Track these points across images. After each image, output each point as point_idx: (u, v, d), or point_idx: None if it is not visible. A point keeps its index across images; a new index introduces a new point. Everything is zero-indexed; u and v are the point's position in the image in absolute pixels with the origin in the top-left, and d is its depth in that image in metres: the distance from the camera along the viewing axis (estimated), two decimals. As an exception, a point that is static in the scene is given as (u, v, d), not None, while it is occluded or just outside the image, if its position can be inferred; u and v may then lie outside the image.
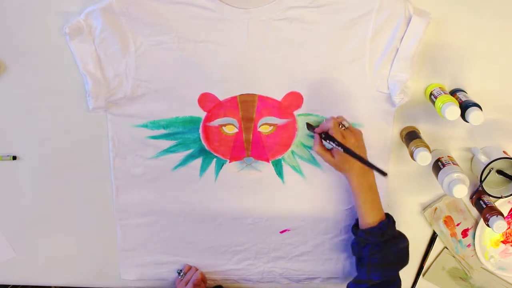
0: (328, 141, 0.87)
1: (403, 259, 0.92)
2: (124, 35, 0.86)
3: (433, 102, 0.87)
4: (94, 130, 0.94)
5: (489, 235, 1.02)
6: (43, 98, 0.93)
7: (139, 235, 1.01)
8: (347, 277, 1.04)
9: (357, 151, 0.84)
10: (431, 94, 0.89)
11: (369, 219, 0.89)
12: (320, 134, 0.89)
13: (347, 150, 0.84)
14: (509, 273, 1.04)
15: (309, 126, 0.93)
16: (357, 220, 0.93)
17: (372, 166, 0.82)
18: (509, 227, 1.02)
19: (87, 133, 0.95)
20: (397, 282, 0.91)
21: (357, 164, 0.86)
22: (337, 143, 0.85)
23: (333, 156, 0.89)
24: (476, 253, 1.03)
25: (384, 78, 0.89)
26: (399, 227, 1.01)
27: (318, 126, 0.91)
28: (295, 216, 1.00)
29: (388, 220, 0.90)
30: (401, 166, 0.97)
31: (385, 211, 0.99)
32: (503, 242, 1.03)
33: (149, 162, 0.96)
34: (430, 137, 0.93)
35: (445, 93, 0.87)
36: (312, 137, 0.94)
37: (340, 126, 0.88)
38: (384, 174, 0.80)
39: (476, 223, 1.01)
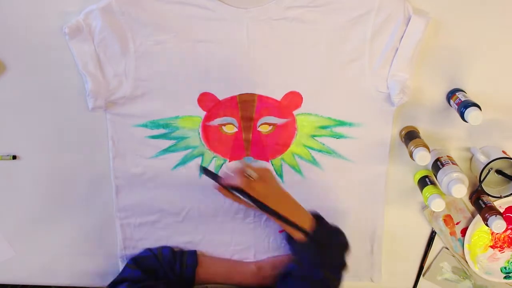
0: (240, 195, 0.84)
1: (341, 253, 0.90)
2: (123, 35, 0.87)
3: (421, 189, 0.94)
4: (94, 129, 0.95)
5: (478, 239, 1.02)
6: (43, 98, 0.93)
7: (139, 235, 1.01)
8: (348, 275, 1.04)
9: (271, 197, 0.84)
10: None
11: (297, 235, 0.87)
12: (226, 188, 0.86)
13: (265, 208, 0.83)
14: (495, 278, 1.04)
15: (208, 172, 0.87)
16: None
17: (290, 223, 0.84)
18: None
19: (87, 133, 0.95)
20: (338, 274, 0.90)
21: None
22: (253, 199, 0.82)
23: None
24: (465, 256, 1.03)
25: (384, 78, 0.89)
26: (399, 226, 1.01)
27: (216, 172, 0.91)
28: (294, 216, 1.00)
29: (317, 224, 0.88)
30: (400, 166, 0.97)
31: (385, 210, 0.99)
32: (492, 247, 1.03)
33: (149, 162, 0.96)
34: (429, 136, 0.93)
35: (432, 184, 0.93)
36: (313, 137, 0.95)
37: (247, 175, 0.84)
38: (304, 232, 0.84)
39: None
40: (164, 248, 1.00)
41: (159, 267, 0.96)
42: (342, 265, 0.90)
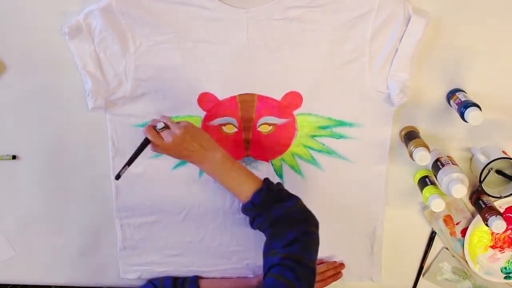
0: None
1: (298, 218, 0.83)
2: (123, 35, 0.87)
3: (421, 189, 0.94)
4: (94, 129, 0.95)
5: (478, 239, 1.02)
6: (43, 98, 0.93)
7: (139, 235, 1.01)
8: (348, 275, 1.04)
9: (175, 149, 0.83)
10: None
11: (241, 196, 0.84)
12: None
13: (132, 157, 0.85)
14: (495, 278, 1.04)
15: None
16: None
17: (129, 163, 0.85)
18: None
19: (87, 133, 0.95)
20: (307, 238, 0.82)
21: (194, 153, 0.83)
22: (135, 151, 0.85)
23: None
24: (465, 256, 1.03)
25: (384, 78, 0.89)
26: (399, 226, 1.01)
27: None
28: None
29: (261, 189, 0.83)
30: (400, 166, 0.97)
31: (385, 210, 0.99)
32: (492, 247, 1.03)
33: (149, 162, 0.96)
34: (429, 137, 0.93)
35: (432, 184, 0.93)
36: (312, 137, 0.95)
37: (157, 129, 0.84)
38: (116, 177, 0.84)
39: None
40: (165, 279, 1.01)
41: None
42: (293, 239, 0.79)
